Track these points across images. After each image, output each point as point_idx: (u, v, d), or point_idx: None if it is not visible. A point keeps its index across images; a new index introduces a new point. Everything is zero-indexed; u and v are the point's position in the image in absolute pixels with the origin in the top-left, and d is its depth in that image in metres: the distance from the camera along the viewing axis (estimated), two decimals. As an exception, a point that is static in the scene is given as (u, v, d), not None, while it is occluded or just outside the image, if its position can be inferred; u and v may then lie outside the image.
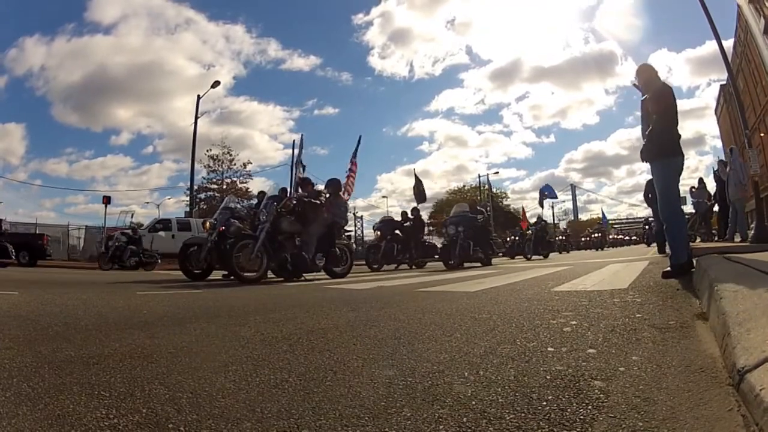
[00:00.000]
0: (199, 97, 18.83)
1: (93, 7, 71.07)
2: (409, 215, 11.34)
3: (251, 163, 31.54)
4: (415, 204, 12.91)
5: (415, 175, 14.25)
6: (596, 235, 26.68)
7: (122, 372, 1.35)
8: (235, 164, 29.75)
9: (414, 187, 14.00)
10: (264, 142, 61.69)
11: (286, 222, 6.08)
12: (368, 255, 10.18)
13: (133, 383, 1.23)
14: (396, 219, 11.33)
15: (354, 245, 16.39)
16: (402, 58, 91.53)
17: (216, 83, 20.16)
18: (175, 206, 31.33)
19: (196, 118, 18.60)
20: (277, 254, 5.87)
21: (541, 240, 13.63)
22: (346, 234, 7.70)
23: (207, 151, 28.45)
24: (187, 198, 20.35)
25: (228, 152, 29.21)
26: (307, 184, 7.05)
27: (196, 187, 24.05)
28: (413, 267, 10.20)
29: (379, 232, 10.58)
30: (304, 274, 6.15)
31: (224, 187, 29.62)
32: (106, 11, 75.04)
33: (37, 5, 54.22)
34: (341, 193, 7.47)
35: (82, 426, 0.94)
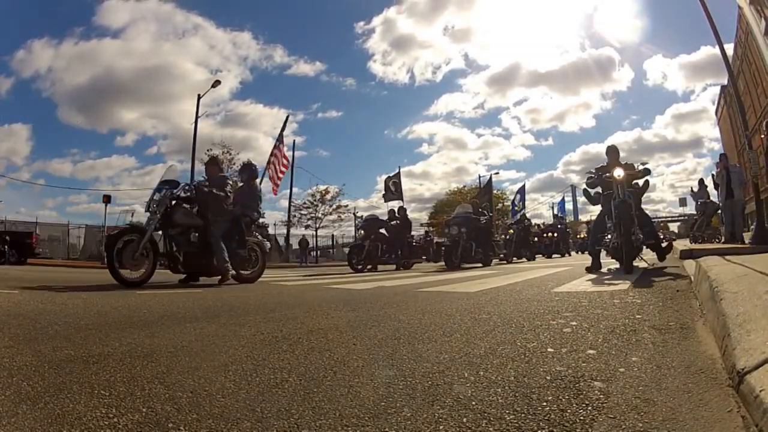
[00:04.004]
0: (199, 97, 18.83)
1: (102, 11, 71.78)
2: (396, 214, 11.05)
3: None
4: (404, 204, 12.83)
5: (398, 173, 14.19)
6: (550, 234, 16.16)
7: (122, 371, 1.35)
8: (234, 164, 29.76)
9: (390, 182, 13.78)
10: (268, 143, 61.79)
11: (181, 213, 5.02)
12: (351, 255, 9.71)
13: (133, 382, 1.23)
14: (382, 218, 10.95)
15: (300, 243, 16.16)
16: (403, 66, 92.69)
17: (216, 83, 20.16)
18: (176, 206, 31.25)
19: (197, 117, 18.60)
20: (169, 252, 4.97)
21: (523, 241, 12.62)
22: (261, 225, 6.31)
23: (207, 150, 28.49)
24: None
25: (228, 152, 29.23)
26: (213, 165, 5.89)
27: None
28: (400, 268, 9.81)
29: (362, 231, 10.13)
30: (228, 274, 5.15)
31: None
32: (115, 16, 75.56)
33: (46, 9, 54.58)
34: (257, 180, 6.39)
35: (81, 425, 0.94)
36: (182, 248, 5.00)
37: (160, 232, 5.07)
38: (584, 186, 5.76)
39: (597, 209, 5.96)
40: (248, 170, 6.17)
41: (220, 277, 5.17)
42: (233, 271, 5.20)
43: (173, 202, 4.99)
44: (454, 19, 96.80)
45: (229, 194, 5.40)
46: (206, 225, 5.14)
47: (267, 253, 5.99)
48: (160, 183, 5.06)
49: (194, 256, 5.05)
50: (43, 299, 3.26)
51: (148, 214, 4.86)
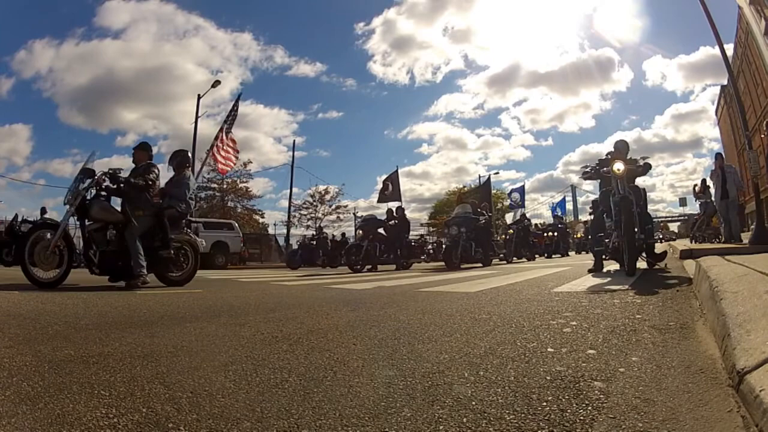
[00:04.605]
0: (199, 97, 18.82)
1: (102, 12, 71.60)
2: (395, 214, 10.94)
3: (251, 163, 31.57)
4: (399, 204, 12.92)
5: (395, 173, 14.36)
6: (550, 234, 15.93)
7: (122, 371, 1.35)
8: (235, 164, 29.82)
9: (389, 183, 13.95)
10: (268, 144, 61.90)
11: (97, 207, 4.45)
12: (349, 255, 9.56)
13: (133, 383, 1.23)
14: (381, 218, 10.81)
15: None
16: (403, 66, 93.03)
17: (216, 83, 20.14)
18: (177, 206, 31.38)
19: (197, 118, 18.57)
20: (84, 251, 4.44)
21: (523, 241, 12.49)
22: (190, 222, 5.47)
23: (208, 150, 28.52)
24: (188, 197, 20.38)
25: (228, 152, 29.24)
26: (141, 151, 4.98)
27: (196, 187, 24.05)
28: (400, 268, 9.69)
29: (361, 231, 9.98)
30: (141, 279, 4.44)
31: (224, 186, 29.68)
32: (116, 17, 75.64)
33: (47, 10, 54.71)
34: (188, 169, 5.43)
35: (81, 425, 0.94)
36: (99, 247, 4.45)
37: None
38: (583, 179, 5.41)
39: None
40: (178, 157, 5.32)
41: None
42: (145, 278, 4.48)
43: (93, 194, 4.47)
44: (454, 20, 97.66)
45: (151, 183, 4.71)
46: (127, 221, 4.55)
47: (198, 252, 5.17)
48: (79, 172, 4.49)
49: (111, 256, 4.46)
50: (43, 299, 3.26)
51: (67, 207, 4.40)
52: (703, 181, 11.40)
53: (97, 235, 4.47)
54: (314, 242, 14.57)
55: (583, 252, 17.30)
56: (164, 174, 5.19)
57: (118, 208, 4.67)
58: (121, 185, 4.57)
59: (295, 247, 16.29)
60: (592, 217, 7.48)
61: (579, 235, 21.38)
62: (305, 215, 31.02)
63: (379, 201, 16.25)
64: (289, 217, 26.20)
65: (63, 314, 2.54)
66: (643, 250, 4.97)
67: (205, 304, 3.24)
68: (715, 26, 7.85)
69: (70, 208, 4.33)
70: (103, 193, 4.56)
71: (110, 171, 4.59)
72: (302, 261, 13.73)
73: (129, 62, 58.82)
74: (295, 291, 4.34)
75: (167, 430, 0.93)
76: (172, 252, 4.78)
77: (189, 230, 5.23)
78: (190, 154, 5.48)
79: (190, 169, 5.37)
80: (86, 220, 4.48)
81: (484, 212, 10.57)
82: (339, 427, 0.93)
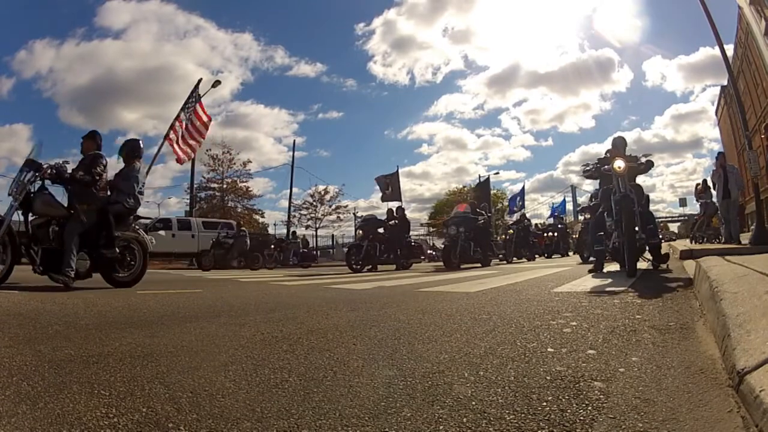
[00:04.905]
0: (199, 97, 18.82)
1: (103, 12, 71.09)
2: (395, 214, 10.91)
3: (251, 162, 31.49)
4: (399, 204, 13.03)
5: (395, 173, 14.45)
6: (549, 234, 15.78)
7: (122, 371, 1.35)
8: (234, 164, 29.85)
9: (389, 183, 14.05)
10: (269, 144, 61.78)
11: (40, 201, 4.17)
12: (349, 255, 9.59)
13: (133, 382, 1.23)
14: (381, 218, 10.76)
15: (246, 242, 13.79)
16: (403, 67, 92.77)
17: (216, 83, 20.10)
18: (177, 206, 31.42)
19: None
20: (26, 248, 4.13)
21: (523, 241, 12.54)
22: (141, 221, 5.13)
23: (207, 150, 28.48)
24: (188, 197, 20.35)
25: (228, 152, 29.27)
26: (89, 140, 4.67)
27: (196, 186, 24.08)
28: (400, 268, 9.67)
29: (361, 231, 9.96)
30: (63, 279, 4.02)
31: (224, 186, 29.72)
32: (116, 17, 75.11)
33: (47, 10, 54.59)
34: (140, 160, 4.98)
35: (81, 425, 0.94)
36: (42, 243, 4.14)
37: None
38: (583, 176, 5.19)
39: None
40: (127, 147, 4.86)
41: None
42: (68, 281, 4.04)
43: (38, 186, 4.19)
44: (454, 21, 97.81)
45: (98, 178, 4.41)
46: (69, 216, 4.27)
47: (147, 251, 4.84)
48: (23, 164, 4.18)
49: (52, 254, 4.13)
50: (43, 299, 3.25)
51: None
52: (704, 181, 11.41)
53: (40, 231, 4.20)
54: (230, 240, 13.30)
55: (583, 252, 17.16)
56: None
57: (65, 202, 4.38)
58: (65, 177, 4.27)
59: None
60: (582, 217, 7.27)
61: (577, 236, 21.38)
62: (305, 215, 31.09)
63: (383, 199, 16.26)
64: (289, 217, 26.29)
65: (63, 314, 2.54)
66: (644, 251, 4.88)
67: (205, 304, 3.24)
68: (715, 26, 7.86)
69: (14, 202, 4.05)
70: (48, 182, 4.26)
71: (56, 164, 4.29)
72: (215, 261, 12.53)
73: (129, 62, 58.72)
74: (294, 291, 4.34)
75: (167, 430, 0.93)
76: (118, 251, 4.47)
77: (138, 227, 4.92)
78: (141, 144, 5.04)
79: (141, 161, 4.99)
80: (30, 215, 4.23)
81: (483, 212, 10.57)
82: (339, 427, 0.93)
